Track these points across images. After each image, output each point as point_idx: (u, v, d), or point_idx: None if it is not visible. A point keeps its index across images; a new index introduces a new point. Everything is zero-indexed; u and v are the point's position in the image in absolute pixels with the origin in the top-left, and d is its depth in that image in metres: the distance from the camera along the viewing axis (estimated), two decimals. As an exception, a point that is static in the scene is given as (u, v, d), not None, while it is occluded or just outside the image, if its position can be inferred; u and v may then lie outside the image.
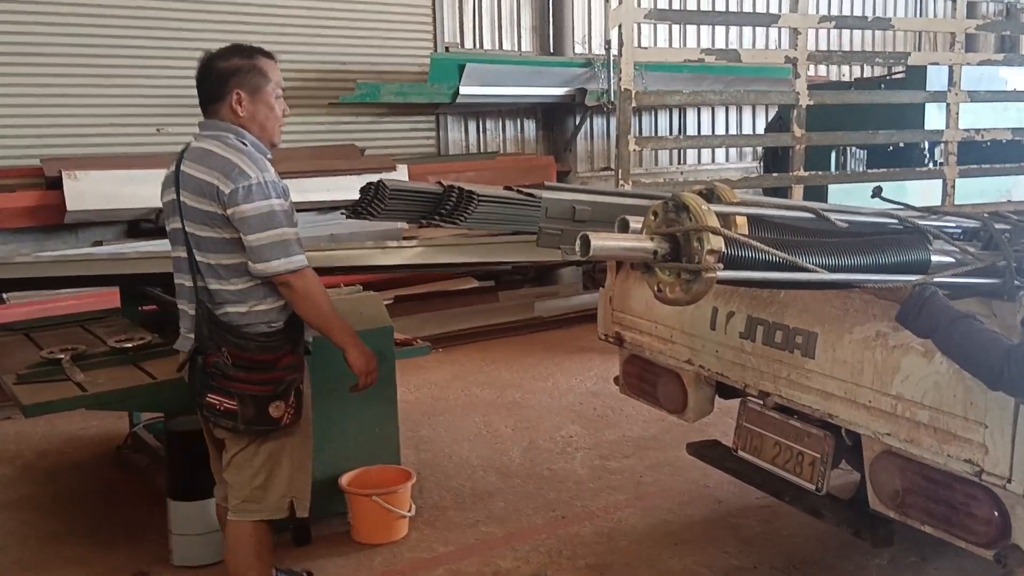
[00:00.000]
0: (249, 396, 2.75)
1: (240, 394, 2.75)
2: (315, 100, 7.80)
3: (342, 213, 3.25)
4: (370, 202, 2.93)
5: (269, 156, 2.88)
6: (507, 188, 3.18)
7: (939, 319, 1.99)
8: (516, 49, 9.08)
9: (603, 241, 1.84)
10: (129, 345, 3.97)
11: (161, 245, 6.03)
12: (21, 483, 4.63)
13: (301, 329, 2.91)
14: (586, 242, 1.81)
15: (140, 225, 6.65)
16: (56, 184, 6.18)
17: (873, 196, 2.61)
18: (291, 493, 2.95)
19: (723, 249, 1.86)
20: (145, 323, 4.56)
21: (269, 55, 2.95)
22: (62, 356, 3.76)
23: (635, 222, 2.03)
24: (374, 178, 3.05)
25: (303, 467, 2.99)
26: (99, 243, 6.45)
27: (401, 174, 7.13)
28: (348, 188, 6.77)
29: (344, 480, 3.85)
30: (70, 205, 6.12)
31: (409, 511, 3.88)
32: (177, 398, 3.74)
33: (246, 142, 2.81)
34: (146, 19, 6.98)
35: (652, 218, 1.98)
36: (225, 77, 2.85)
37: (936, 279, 2.20)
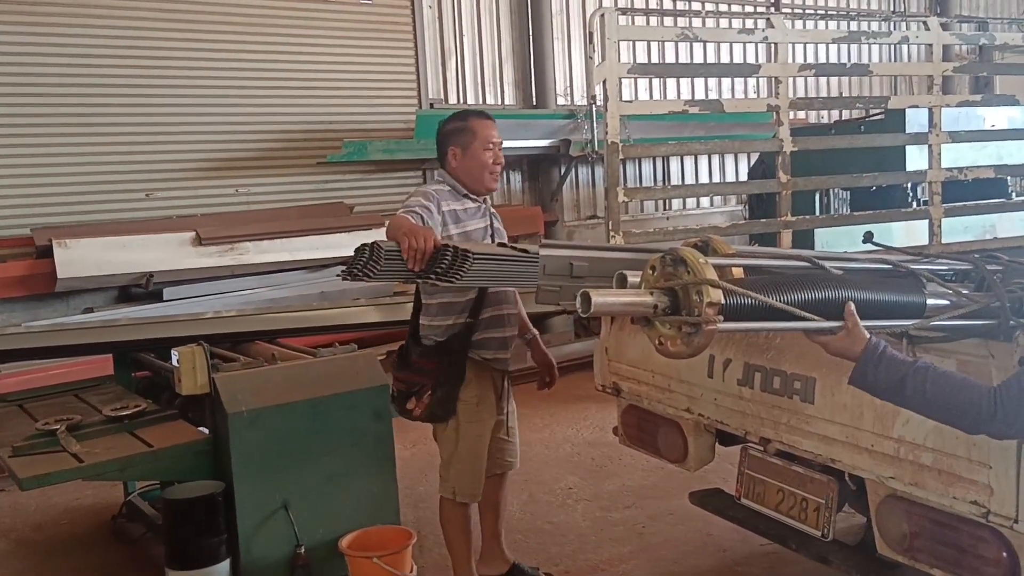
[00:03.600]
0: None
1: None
2: (303, 160, 7.86)
3: (337, 275, 3.26)
4: (365, 263, 2.94)
5: (471, 196, 3.50)
6: (501, 245, 3.20)
7: (902, 370, 1.95)
8: (500, 103, 9.20)
9: (603, 297, 1.86)
10: (124, 413, 3.95)
11: (153, 310, 6.07)
12: (16, 558, 4.55)
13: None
14: (587, 299, 1.83)
15: (131, 290, 6.64)
16: (46, 252, 6.18)
17: (864, 242, 2.64)
18: (453, 480, 3.55)
19: (723, 301, 1.87)
20: (139, 389, 4.55)
21: (483, 116, 3.58)
22: (57, 427, 3.73)
23: (633, 276, 2.05)
24: (364, 235, 3.08)
25: (460, 460, 3.52)
26: (90, 310, 6.43)
27: (390, 230, 7.15)
28: (338, 246, 6.81)
29: (344, 543, 3.79)
30: (61, 273, 6.12)
31: (411, 572, 3.83)
32: (173, 465, 3.73)
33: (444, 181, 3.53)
34: (133, 85, 7.04)
35: (650, 272, 2.00)
36: (444, 137, 3.55)
37: (933, 322, 2.22)
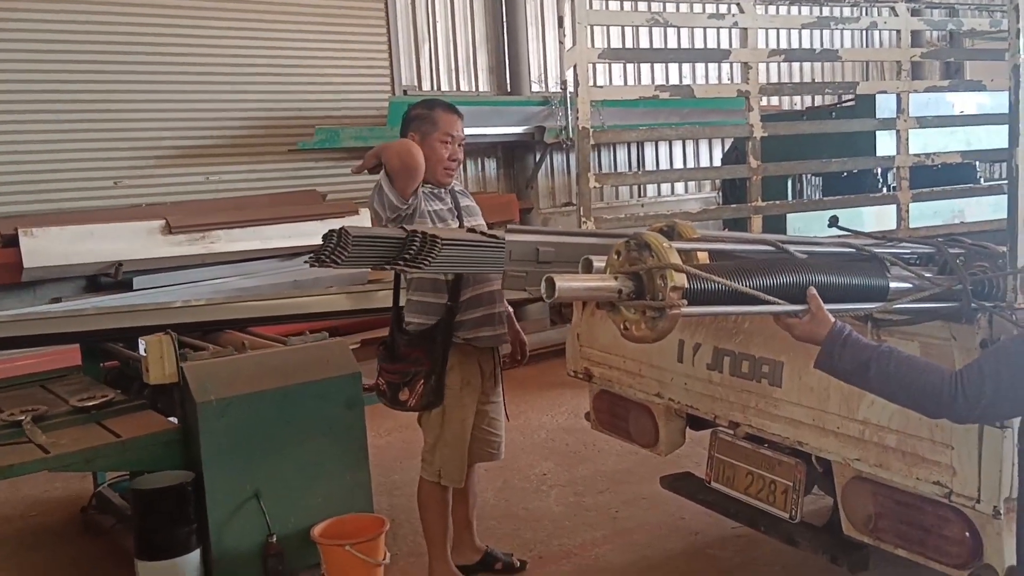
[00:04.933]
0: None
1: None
2: (274, 147, 7.80)
3: (305, 262, 3.24)
4: (333, 250, 2.91)
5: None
6: (470, 231, 3.19)
7: (866, 353, 1.97)
8: (474, 90, 9.16)
9: (568, 282, 1.86)
10: (91, 403, 3.91)
11: (122, 300, 6.00)
12: (-17, 551, 4.50)
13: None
14: (551, 284, 1.82)
15: (100, 280, 6.56)
16: (12, 242, 6.09)
17: (830, 226, 2.65)
18: (439, 464, 3.55)
19: (686, 285, 1.88)
20: (107, 380, 4.50)
21: (448, 109, 3.54)
22: (23, 418, 3.68)
23: (598, 261, 2.05)
24: (336, 223, 3.07)
25: (445, 444, 3.54)
26: (58, 299, 6.35)
27: (364, 218, 7.11)
28: (311, 234, 6.76)
29: (316, 531, 3.77)
30: (27, 262, 6.03)
31: (384, 559, 3.82)
32: (142, 456, 3.69)
33: None
34: (101, 71, 6.94)
35: (615, 257, 2.00)
36: (406, 123, 3.55)
37: (896, 305, 2.24)
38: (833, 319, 2.04)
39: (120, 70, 7.02)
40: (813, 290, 2.05)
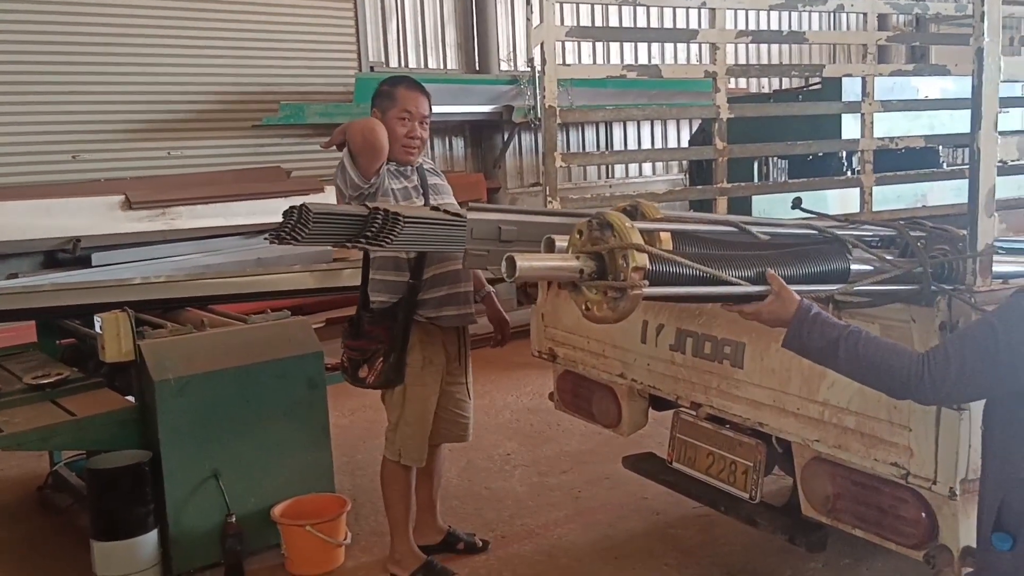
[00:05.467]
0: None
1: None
2: (238, 122, 7.67)
3: (265, 238, 3.18)
4: (294, 227, 2.86)
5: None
6: (434, 209, 3.16)
7: (834, 332, 1.97)
8: (442, 67, 9.08)
9: (529, 262, 1.83)
10: (46, 381, 3.84)
11: (80, 276, 5.88)
12: (-65, 530, 4.41)
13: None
14: (512, 263, 1.80)
15: (58, 256, 6.43)
16: (-33, 216, 5.94)
17: (793, 207, 2.65)
18: (399, 443, 3.53)
19: (648, 266, 1.86)
20: (64, 357, 4.42)
21: (411, 86, 3.48)
22: (-26, 396, 3.60)
23: (560, 241, 2.02)
24: (301, 201, 3.03)
25: (406, 423, 3.51)
26: (14, 275, 6.20)
27: (329, 195, 7.02)
28: (274, 211, 6.58)
29: (277, 511, 3.75)
30: (-18, 237, 5.90)
31: (345, 539, 3.81)
32: (98, 435, 3.63)
33: None
34: (59, 41, 6.77)
35: (577, 237, 1.98)
36: (372, 99, 3.51)
37: (857, 287, 2.24)
38: (799, 298, 2.03)
39: (80, 41, 6.86)
40: (771, 271, 2.04)
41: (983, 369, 1.79)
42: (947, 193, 5.68)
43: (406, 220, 2.79)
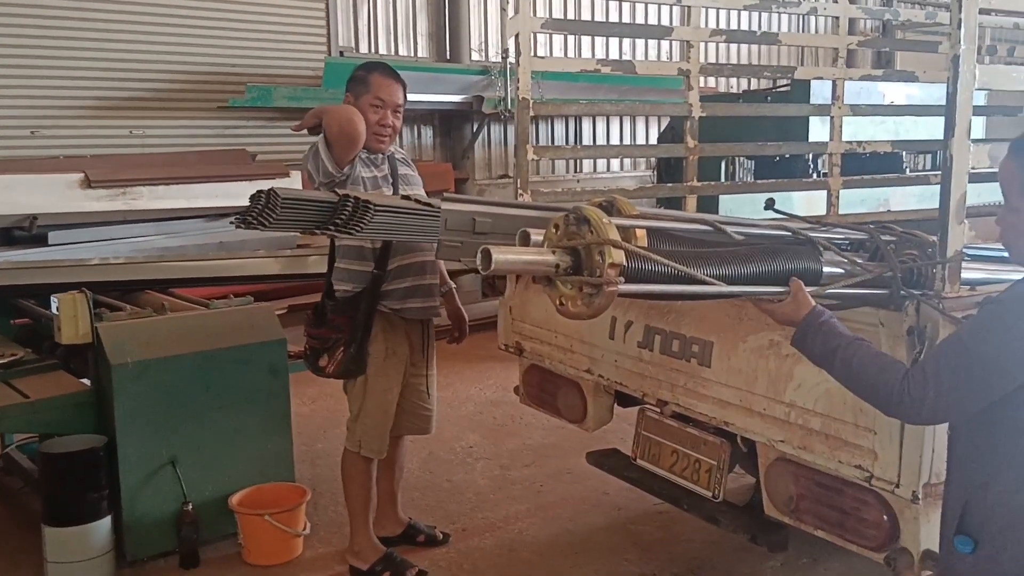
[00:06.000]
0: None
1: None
2: (204, 103, 7.54)
3: (231, 222, 3.12)
4: (260, 211, 2.80)
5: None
6: (405, 197, 3.11)
7: (835, 342, 1.99)
8: (412, 55, 9.00)
9: (505, 255, 1.81)
10: (0, 362, 3.73)
11: (36, 255, 5.74)
12: None
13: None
14: (487, 256, 1.77)
15: (13, 233, 6.26)
16: (-81, 190, 5.76)
17: (766, 208, 2.65)
18: (360, 434, 3.50)
19: (624, 262, 1.85)
20: (18, 338, 4.31)
21: (386, 72, 3.44)
22: (-77, 375, 3.50)
23: (536, 235, 2.00)
24: (266, 184, 2.96)
25: (367, 415, 3.48)
26: (-33, 252, 6.04)
27: (294, 180, 6.93)
28: (239, 195, 6.50)
29: (235, 500, 3.70)
30: (-64, 213, 5.72)
31: (303, 529, 3.76)
32: (52, 418, 3.55)
33: None
34: (18, 14, 6.59)
35: (553, 231, 1.95)
36: (347, 84, 3.46)
37: (828, 290, 2.25)
38: (814, 303, 2.05)
39: (40, 14, 6.68)
40: (796, 279, 2.07)
41: (958, 385, 1.79)
42: (909, 198, 5.75)
43: (376, 208, 2.74)
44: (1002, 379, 1.78)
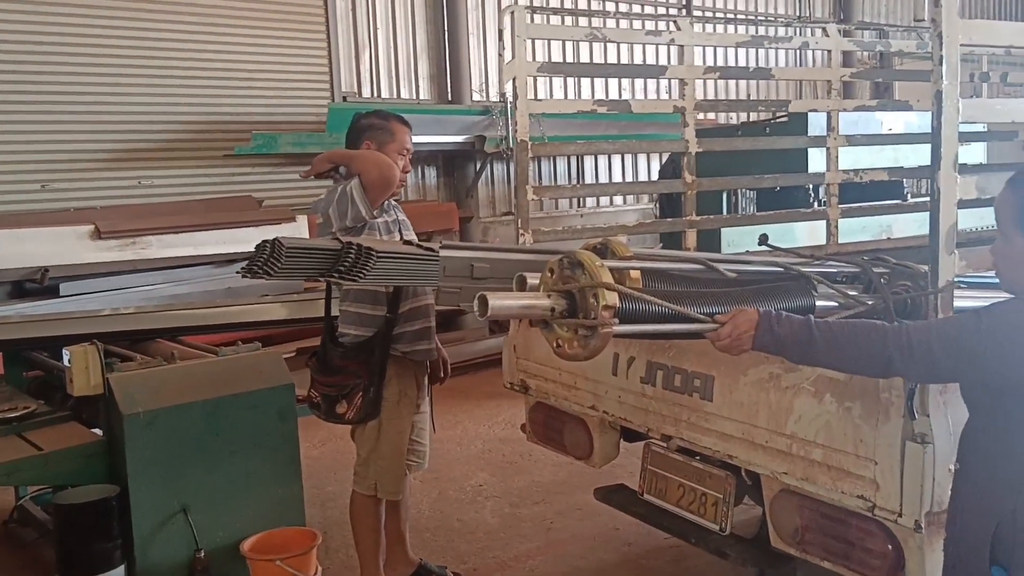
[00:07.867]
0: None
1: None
2: (210, 151, 7.66)
3: (238, 272, 3.17)
4: (266, 260, 2.86)
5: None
6: (407, 243, 3.17)
7: (802, 318, 1.96)
8: (414, 98, 9.14)
9: (501, 300, 1.86)
10: (12, 415, 3.78)
11: (48, 307, 5.81)
12: None
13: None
14: (484, 302, 1.82)
15: (25, 286, 6.34)
16: (-68, 245, 5.86)
17: (760, 244, 2.70)
18: (374, 477, 3.51)
19: (618, 304, 1.89)
20: (30, 390, 4.36)
21: (403, 121, 3.56)
22: (-61, 430, 3.55)
23: (532, 278, 2.05)
24: (273, 230, 3.03)
25: (381, 457, 3.50)
26: (-20, 306, 6.12)
27: (301, 225, 7.01)
28: (246, 241, 6.61)
29: (246, 546, 3.71)
30: (-52, 267, 5.80)
31: (315, 574, 3.77)
32: (65, 469, 3.58)
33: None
34: (29, 70, 6.74)
35: (549, 275, 2.00)
36: (359, 131, 3.54)
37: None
38: (756, 309, 2.04)
39: (51, 70, 6.83)
40: (721, 316, 2.06)
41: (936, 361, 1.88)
42: (911, 225, 5.80)
43: (379, 255, 2.80)
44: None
